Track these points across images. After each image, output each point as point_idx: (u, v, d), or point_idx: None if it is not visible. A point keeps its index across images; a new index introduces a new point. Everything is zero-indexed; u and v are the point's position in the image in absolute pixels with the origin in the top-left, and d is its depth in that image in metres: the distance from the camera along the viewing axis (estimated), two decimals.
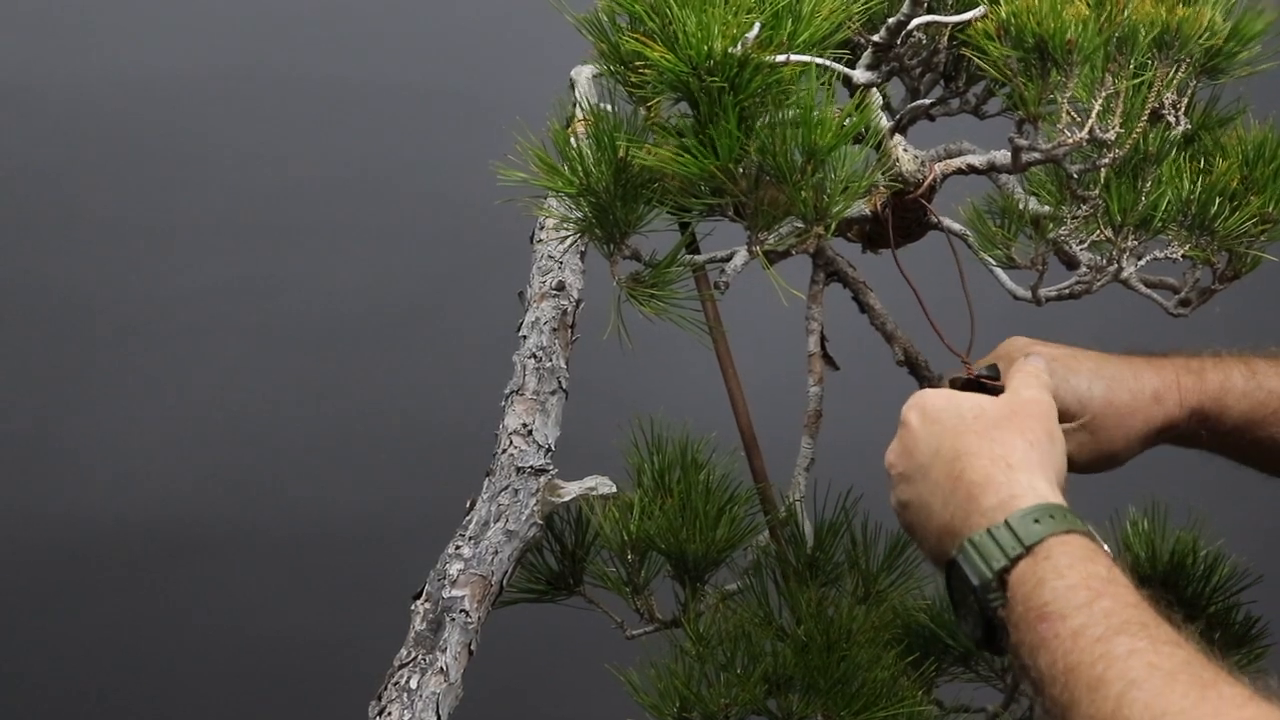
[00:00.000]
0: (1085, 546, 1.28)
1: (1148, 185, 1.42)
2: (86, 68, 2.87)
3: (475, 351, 2.20)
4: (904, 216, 1.56)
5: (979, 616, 1.29)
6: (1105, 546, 1.31)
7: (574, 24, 1.52)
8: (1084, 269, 1.50)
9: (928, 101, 1.53)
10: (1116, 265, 1.46)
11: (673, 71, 1.35)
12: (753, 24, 1.34)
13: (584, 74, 1.78)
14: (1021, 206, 1.49)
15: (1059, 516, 1.29)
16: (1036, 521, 1.29)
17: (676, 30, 1.34)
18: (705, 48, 1.33)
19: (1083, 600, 1.23)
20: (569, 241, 1.68)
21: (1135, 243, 1.43)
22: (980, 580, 1.28)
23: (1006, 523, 1.29)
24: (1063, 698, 1.21)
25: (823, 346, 1.73)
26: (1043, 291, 1.52)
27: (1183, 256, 1.48)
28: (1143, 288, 1.56)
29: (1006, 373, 1.52)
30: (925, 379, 1.73)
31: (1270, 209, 1.48)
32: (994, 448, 1.35)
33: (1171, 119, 1.43)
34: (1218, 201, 1.44)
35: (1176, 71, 1.39)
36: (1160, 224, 1.44)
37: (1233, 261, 1.54)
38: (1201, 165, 1.46)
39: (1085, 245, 1.46)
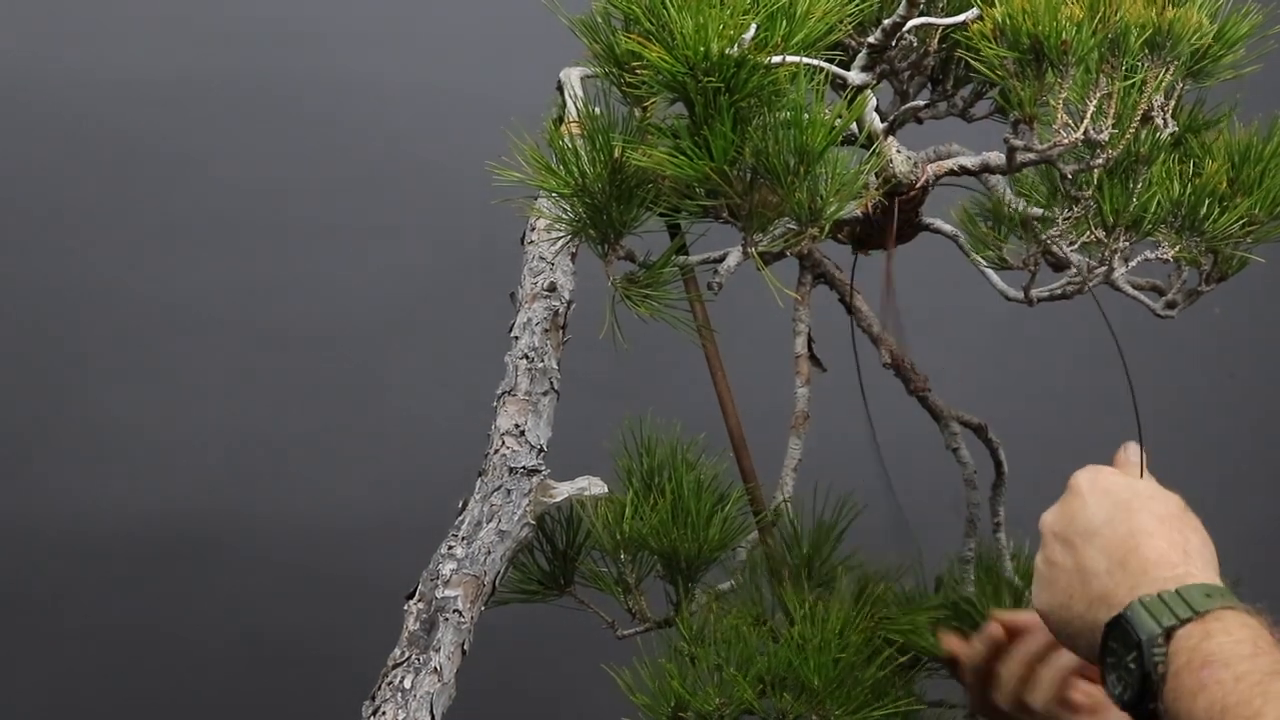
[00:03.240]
0: (1251, 619, 1.33)
1: (1139, 186, 1.43)
2: (86, 68, 2.85)
3: (467, 352, 2.20)
4: (895, 218, 1.57)
5: (1135, 672, 1.33)
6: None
7: (568, 25, 1.53)
8: (1074, 270, 1.51)
9: (922, 103, 1.54)
10: (1107, 266, 1.47)
11: (669, 72, 1.35)
12: (749, 25, 1.34)
13: (573, 75, 1.78)
14: (1013, 208, 1.50)
15: (1227, 596, 1.35)
16: (1208, 595, 1.34)
17: (674, 31, 1.34)
18: (702, 48, 1.33)
19: (1247, 653, 1.29)
20: (561, 243, 1.68)
21: (1126, 243, 1.44)
22: (1148, 634, 1.33)
23: (1179, 592, 1.34)
24: None
25: (810, 348, 1.74)
26: (1034, 292, 1.53)
27: (1173, 258, 1.49)
28: (1130, 289, 1.57)
29: None
30: (910, 380, 1.75)
31: (1257, 211, 1.50)
32: (1171, 534, 1.41)
33: (1160, 121, 1.44)
34: (1207, 203, 1.45)
35: (1166, 73, 1.40)
36: (1150, 225, 1.45)
37: (1219, 263, 1.56)
38: (1191, 168, 1.48)
39: (1075, 246, 1.47)
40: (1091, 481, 1.47)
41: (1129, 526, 1.42)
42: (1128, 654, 1.34)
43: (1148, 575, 1.38)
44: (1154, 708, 1.33)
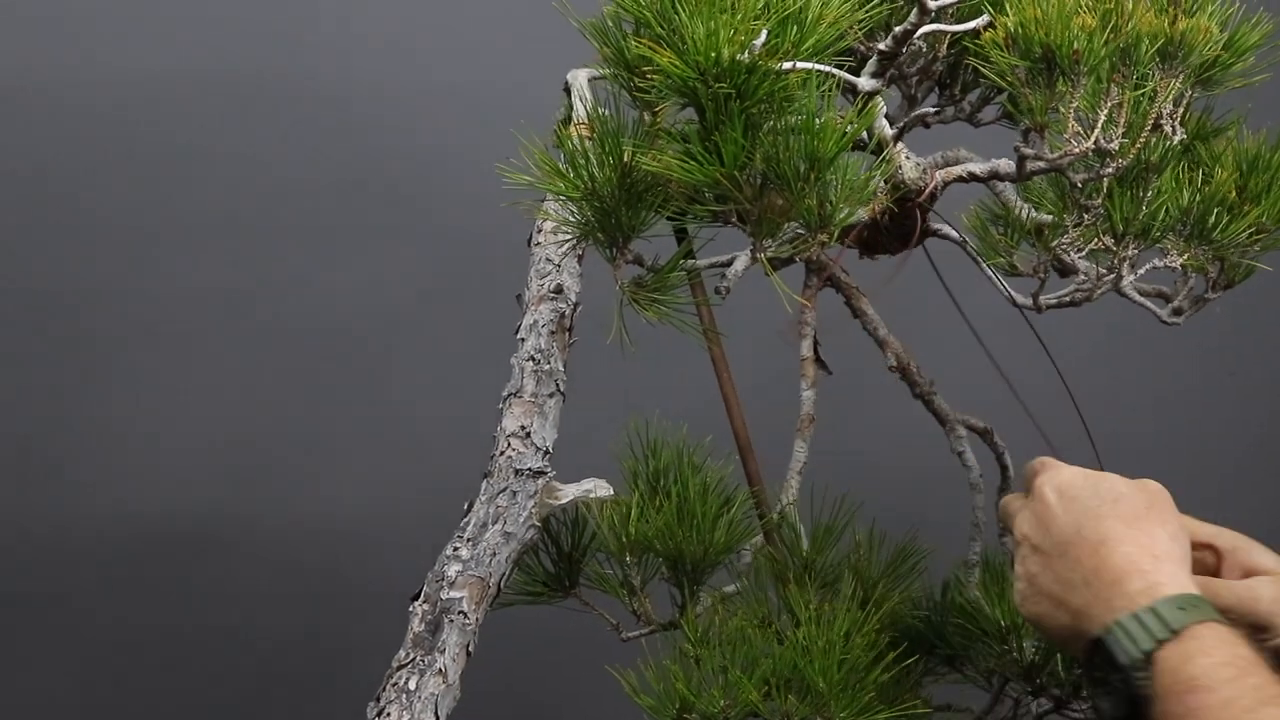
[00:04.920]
0: (1228, 633, 1.34)
1: (1149, 195, 1.43)
2: (86, 68, 2.85)
3: (471, 353, 2.21)
4: (902, 223, 1.58)
5: (1122, 694, 1.35)
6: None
7: (579, 29, 1.52)
8: (1082, 277, 1.51)
9: (932, 109, 1.54)
10: (1116, 274, 1.47)
11: (680, 77, 1.36)
12: (760, 31, 1.34)
13: (580, 78, 1.78)
14: (1024, 215, 1.50)
15: (1202, 607, 1.35)
16: (1182, 609, 1.35)
17: (685, 36, 1.34)
18: (713, 54, 1.33)
19: (1230, 676, 1.30)
20: (568, 245, 1.68)
21: (1135, 251, 1.45)
22: (1129, 659, 1.34)
23: (1153, 609, 1.35)
24: None
25: (816, 351, 1.74)
26: (1042, 299, 1.54)
27: (1181, 266, 1.49)
28: (1137, 296, 1.58)
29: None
30: (915, 384, 1.75)
31: (1265, 220, 1.50)
32: (1139, 537, 1.41)
33: (1168, 129, 1.45)
34: (1215, 212, 1.45)
35: (1175, 81, 1.40)
36: (1159, 234, 1.45)
37: (1225, 271, 1.56)
38: (1200, 176, 1.48)
39: (1083, 254, 1.47)
40: (1057, 488, 1.46)
41: (1098, 535, 1.41)
42: (1113, 674, 1.35)
43: (1120, 587, 1.38)
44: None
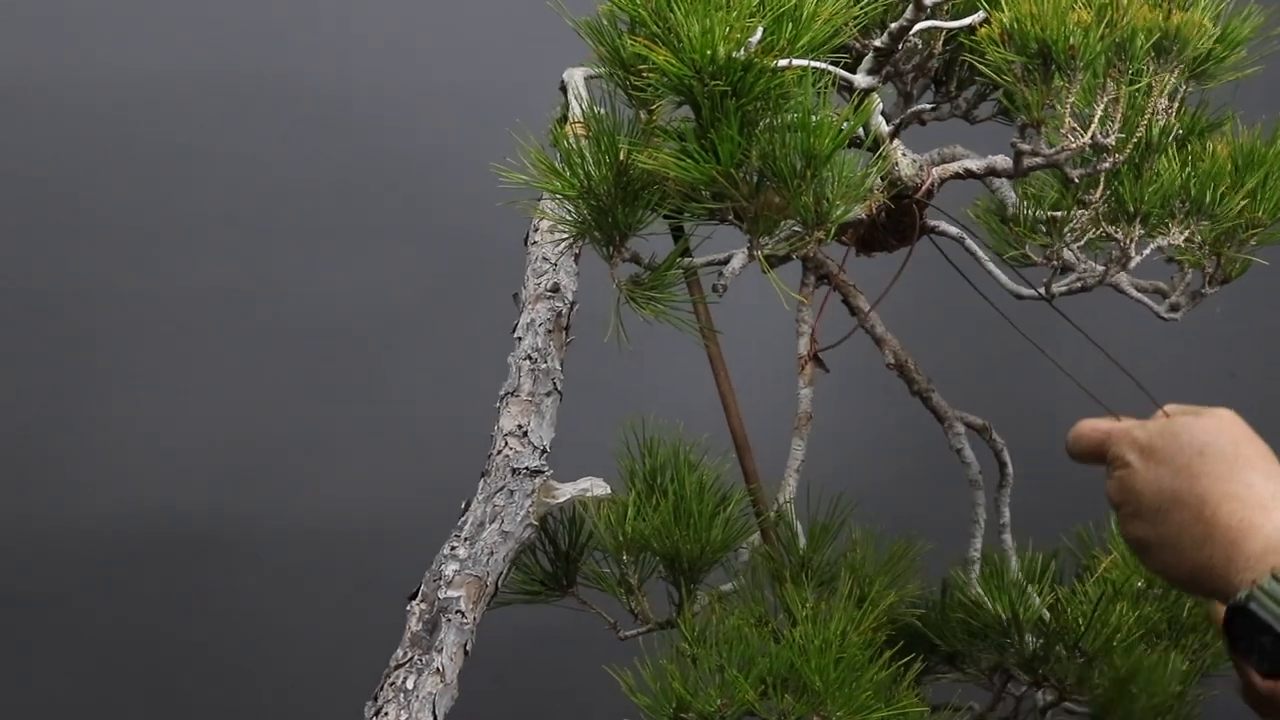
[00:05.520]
0: None
1: (1149, 173, 1.43)
2: (86, 68, 2.85)
3: (471, 353, 2.21)
4: (899, 220, 1.58)
5: (1272, 652, 1.36)
6: None
7: (574, 27, 1.52)
8: (1083, 266, 1.51)
9: (928, 106, 1.54)
10: (1124, 257, 1.47)
11: (676, 75, 1.36)
12: (756, 28, 1.34)
13: (576, 76, 1.78)
14: (1029, 211, 1.50)
15: None
16: None
17: (680, 34, 1.34)
18: (709, 52, 1.33)
19: None
20: (565, 244, 1.68)
21: (1142, 232, 1.45)
22: None
23: None
24: None
25: (813, 349, 1.74)
26: (1054, 287, 1.53)
27: (1176, 259, 1.49)
28: (1134, 292, 1.57)
29: None
30: (913, 381, 1.75)
31: (1259, 213, 1.50)
32: (1238, 490, 1.41)
33: (1163, 122, 1.44)
34: (1213, 186, 1.45)
35: (1170, 76, 1.40)
36: (1161, 209, 1.45)
37: (1222, 265, 1.56)
38: (1197, 149, 1.48)
39: (1081, 244, 1.47)
40: (1139, 449, 1.46)
41: (1196, 496, 1.41)
42: (1262, 636, 1.35)
43: (1239, 549, 1.37)
44: None
